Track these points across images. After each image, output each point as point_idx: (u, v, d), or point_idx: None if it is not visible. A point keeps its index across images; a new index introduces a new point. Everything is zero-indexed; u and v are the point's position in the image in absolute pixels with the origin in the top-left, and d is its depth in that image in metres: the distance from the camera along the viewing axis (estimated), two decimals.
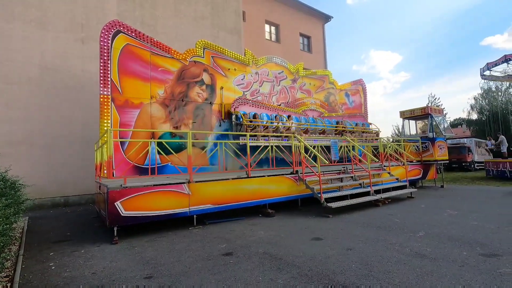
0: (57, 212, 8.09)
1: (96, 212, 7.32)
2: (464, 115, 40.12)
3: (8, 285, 3.10)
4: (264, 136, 8.75)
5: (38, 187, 8.50)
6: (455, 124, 43.93)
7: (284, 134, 9.04)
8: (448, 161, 12.42)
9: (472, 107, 36.24)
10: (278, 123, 9.53)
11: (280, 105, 10.86)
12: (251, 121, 9.07)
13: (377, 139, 11.59)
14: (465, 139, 25.84)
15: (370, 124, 13.49)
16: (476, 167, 22.38)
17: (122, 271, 3.42)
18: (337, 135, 11.03)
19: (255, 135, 8.59)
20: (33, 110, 8.98)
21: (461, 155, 21.72)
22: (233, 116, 9.22)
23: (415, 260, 3.44)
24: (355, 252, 3.80)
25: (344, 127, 11.53)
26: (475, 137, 29.32)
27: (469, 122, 37.27)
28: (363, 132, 12.17)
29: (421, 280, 2.87)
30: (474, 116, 36.00)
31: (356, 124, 12.51)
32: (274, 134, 9.01)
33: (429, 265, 3.27)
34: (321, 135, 10.78)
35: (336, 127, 11.43)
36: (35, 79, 9.11)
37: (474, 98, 33.91)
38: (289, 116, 10.25)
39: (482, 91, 30.10)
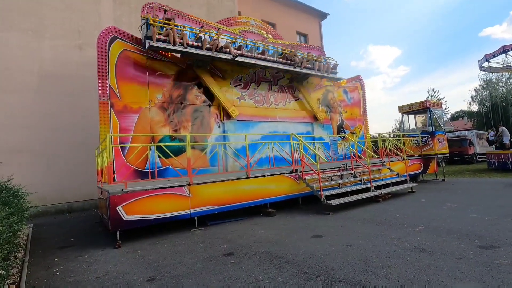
0: (61, 219, 8.18)
1: (99, 217, 7.40)
2: (465, 107, 40.03)
3: None
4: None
5: (41, 194, 8.59)
6: (456, 116, 43.82)
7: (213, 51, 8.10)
8: (448, 155, 12.43)
9: (473, 99, 36.09)
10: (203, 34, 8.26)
11: (278, 104, 10.89)
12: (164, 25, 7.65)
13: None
14: (466, 132, 25.81)
15: (328, 58, 11.98)
16: (478, 159, 22.36)
17: (125, 274, 3.48)
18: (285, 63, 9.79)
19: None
20: (33, 117, 9.05)
21: (463, 148, 21.70)
22: (141, 24, 7.76)
23: (414, 254, 3.48)
24: (354, 248, 3.85)
25: (291, 52, 10.25)
26: (477, 129, 29.27)
27: (470, 114, 37.16)
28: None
29: (418, 274, 2.91)
30: (475, 108, 35.83)
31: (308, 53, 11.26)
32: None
33: (427, 258, 3.31)
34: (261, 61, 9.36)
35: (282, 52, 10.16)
36: (34, 86, 9.19)
37: (475, 89, 33.74)
38: (218, 29, 9.17)
39: (483, 82, 29.98)
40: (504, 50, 14.92)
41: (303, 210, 6.87)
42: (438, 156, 11.46)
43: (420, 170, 11.00)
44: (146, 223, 5.07)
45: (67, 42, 9.83)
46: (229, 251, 4.11)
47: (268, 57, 9.75)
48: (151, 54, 8.03)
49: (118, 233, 4.83)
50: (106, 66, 7.28)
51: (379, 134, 10.26)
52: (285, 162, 8.23)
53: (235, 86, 9.82)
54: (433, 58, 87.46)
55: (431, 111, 11.59)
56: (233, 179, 6.30)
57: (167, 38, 7.60)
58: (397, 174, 9.03)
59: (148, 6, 8.27)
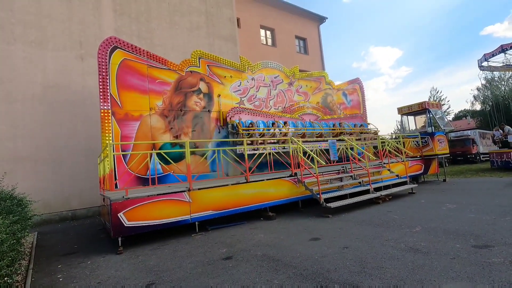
0: (65, 226, 8.30)
1: (101, 224, 7.51)
2: (468, 107, 39.85)
3: None
4: (261, 143, 8.90)
5: (45, 202, 8.75)
6: (460, 116, 43.60)
7: (281, 138, 9.17)
8: (449, 155, 12.41)
9: (475, 98, 35.93)
10: (274, 129, 9.64)
11: (277, 108, 11.01)
12: (247, 129, 9.21)
13: (375, 138, 11.61)
14: (469, 131, 25.70)
15: (369, 124, 13.54)
16: (482, 159, 22.23)
17: (126, 279, 3.57)
18: (334, 138, 11.08)
19: (252, 142, 8.74)
20: (36, 127, 9.24)
21: (466, 147, 21.61)
22: (229, 126, 9.37)
23: (408, 255, 3.53)
24: (350, 250, 3.90)
25: (342, 129, 11.59)
26: (480, 128, 29.12)
27: (473, 114, 36.99)
28: (361, 132, 12.23)
29: (411, 274, 2.96)
30: (478, 107, 35.67)
31: (354, 125, 12.59)
32: (270, 138, 9.14)
33: (421, 259, 3.36)
34: (319, 138, 10.87)
35: (333, 129, 11.50)
36: (37, 97, 9.39)
37: (477, 88, 33.63)
38: (285, 122, 10.35)
39: (485, 81, 29.90)
40: (503, 49, 14.93)
41: (303, 213, 6.93)
42: (439, 156, 11.45)
43: (421, 171, 11.00)
44: (147, 229, 5.16)
45: (69, 52, 10.05)
46: (228, 255, 4.18)
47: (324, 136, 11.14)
48: (150, 63, 8.20)
49: (120, 239, 4.92)
50: (107, 75, 7.45)
51: (378, 135, 10.30)
52: (285, 166, 8.30)
53: (234, 92, 9.96)
54: (435, 58, 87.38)
55: (430, 112, 11.62)
56: (232, 184, 6.38)
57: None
58: (397, 175, 9.05)
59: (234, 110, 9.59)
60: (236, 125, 9.12)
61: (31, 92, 9.31)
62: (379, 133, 12.85)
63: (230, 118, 9.47)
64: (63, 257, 4.95)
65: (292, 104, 11.60)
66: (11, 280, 3.14)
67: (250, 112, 10.19)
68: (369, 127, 13.23)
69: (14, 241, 3.21)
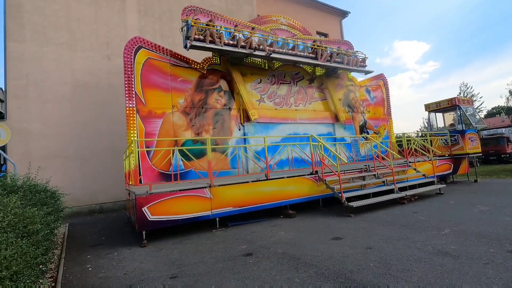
0: (93, 219, 8.71)
1: (127, 218, 7.81)
2: (502, 103, 37.40)
3: (52, 285, 3.47)
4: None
5: (75, 196, 9.20)
6: (493, 113, 41.01)
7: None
8: (481, 154, 11.72)
9: (510, 93, 33.63)
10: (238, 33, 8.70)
11: (298, 106, 10.87)
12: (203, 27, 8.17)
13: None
14: (503, 129, 24.14)
15: (356, 52, 12.11)
16: None
17: (150, 272, 3.68)
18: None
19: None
20: (66, 125, 9.74)
21: (499, 146, 20.30)
22: (182, 26, 8.32)
23: (437, 258, 3.37)
24: (374, 251, 3.79)
25: (320, 46, 10.36)
26: None
27: (508, 110, 34.65)
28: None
29: (440, 278, 2.83)
30: None
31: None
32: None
33: (451, 263, 3.20)
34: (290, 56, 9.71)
35: (311, 48, 10.27)
36: (67, 96, 9.89)
37: None
38: (253, 28, 9.59)
39: None
40: None
41: (324, 212, 6.82)
42: (470, 155, 10.84)
43: (450, 171, 10.47)
44: (169, 223, 5.30)
45: (97, 53, 10.48)
46: (248, 251, 4.20)
47: (299, 53, 10.06)
48: (173, 61, 8.37)
49: (144, 232, 5.09)
50: (132, 74, 7.69)
51: (403, 133, 9.91)
52: (305, 164, 8.20)
53: (254, 89, 9.95)
54: (464, 52, 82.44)
55: (461, 108, 11.01)
56: (252, 181, 6.40)
57: (204, 38, 8.20)
58: (423, 175, 8.67)
59: (188, 9, 8.81)
60: (190, 24, 8.00)
61: (61, 92, 9.81)
62: (406, 129, 12.33)
63: (186, 16, 8.44)
64: (92, 248, 5.19)
65: (263, 16, 10.83)
66: (45, 268, 3.34)
67: (209, 14, 9.27)
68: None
69: (48, 231, 3.41)
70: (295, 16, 19.13)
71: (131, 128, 7.46)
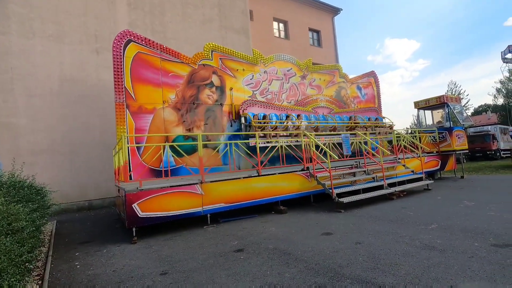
0: (82, 216, 8.58)
1: (117, 214, 7.71)
2: (489, 101, 38.32)
3: (39, 283, 3.40)
4: (273, 136, 8.82)
5: (63, 192, 9.03)
6: (479, 111, 42.02)
7: (294, 132, 9.06)
8: (468, 151, 12.00)
9: (498, 91, 34.49)
10: (287, 122, 9.53)
11: (290, 102, 10.89)
12: (260, 123, 9.13)
13: (391, 133, 11.30)
14: (489, 127, 24.75)
15: (384, 118, 13.21)
16: (502, 155, 21.42)
17: (140, 268, 3.65)
18: (348, 131, 10.84)
19: (265, 135, 8.68)
20: (54, 120, 9.51)
21: (485, 144, 20.85)
22: (242, 118, 9.28)
23: (424, 252, 3.45)
24: (363, 246, 3.85)
25: (356, 123, 11.33)
26: (501, 123, 27.99)
27: (494, 108, 35.55)
28: (376, 126, 11.93)
29: (426, 272, 2.89)
30: (501, 101, 34.23)
31: (369, 119, 12.29)
32: (283, 132, 9.04)
33: (437, 256, 3.27)
34: (332, 132, 10.68)
35: (347, 123, 11.26)
36: (55, 90, 9.64)
37: (500, 81, 32.24)
38: (298, 115, 10.19)
39: (509, 74, 28.57)
40: None
41: (315, 208, 6.88)
42: (457, 152, 11.09)
43: (438, 167, 10.69)
44: (160, 220, 5.25)
45: (85, 46, 10.23)
46: (239, 247, 4.20)
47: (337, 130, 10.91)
48: (164, 56, 8.25)
49: (134, 229, 5.03)
50: (121, 68, 7.54)
51: (393, 130, 10.05)
52: (297, 160, 8.25)
53: (246, 85, 9.91)
54: (454, 51, 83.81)
55: (449, 106, 11.22)
56: (244, 177, 6.39)
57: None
58: (412, 171, 8.83)
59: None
60: (250, 118, 9.05)
61: (49, 86, 9.56)
62: (394, 127, 12.52)
63: (243, 111, 9.39)
64: (80, 245, 5.11)
65: (305, 97, 11.40)
66: (31, 266, 3.27)
67: (263, 105, 10.07)
68: (384, 121, 12.91)
69: (34, 228, 3.33)
70: (288, 12, 19.14)
71: (121, 124, 7.34)
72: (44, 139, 9.31)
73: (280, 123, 9.46)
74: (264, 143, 8.25)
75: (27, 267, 2.95)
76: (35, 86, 9.37)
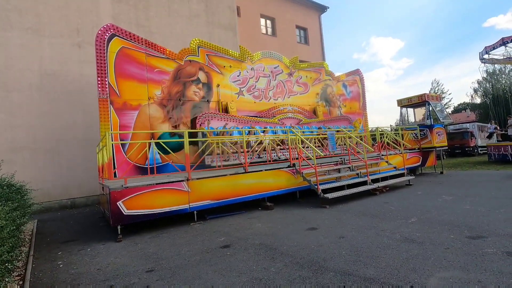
0: (65, 214, 8.36)
1: (101, 213, 7.57)
2: (468, 100, 39.82)
3: (20, 283, 3.32)
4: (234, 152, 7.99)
5: (45, 191, 8.78)
6: (459, 109, 43.59)
7: (255, 147, 8.27)
8: (447, 148, 12.46)
9: (475, 91, 35.85)
10: (248, 138, 8.07)
11: (276, 99, 10.94)
12: (217, 138, 7.99)
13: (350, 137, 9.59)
14: (468, 124, 25.76)
15: (358, 124, 13.19)
16: (479, 152, 22.35)
17: (126, 266, 3.63)
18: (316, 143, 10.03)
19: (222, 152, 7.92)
20: (34, 115, 9.19)
21: (464, 140, 21.69)
22: (199, 134, 8.20)
23: (403, 244, 3.59)
24: (346, 240, 3.96)
25: (323, 135, 9.75)
26: (479, 121, 29.16)
27: (473, 107, 36.96)
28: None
29: (405, 263, 3.02)
30: (478, 100, 35.62)
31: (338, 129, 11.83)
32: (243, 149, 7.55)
33: (416, 248, 3.42)
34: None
35: (315, 135, 10.12)
36: (35, 85, 9.31)
37: (478, 81, 33.55)
38: (264, 130, 9.27)
39: (485, 74, 29.76)
40: (503, 42, 14.80)
41: (301, 203, 6.99)
42: (437, 149, 11.50)
43: (419, 163, 11.06)
44: (146, 217, 5.21)
45: (66, 40, 9.91)
46: (226, 243, 4.24)
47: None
48: (149, 51, 8.11)
49: (119, 227, 4.97)
50: (105, 63, 7.36)
51: (377, 127, 10.30)
52: (284, 156, 8.32)
53: (233, 82, 9.89)
54: (436, 50, 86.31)
55: (430, 104, 11.60)
56: (231, 174, 6.41)
57: None
58: (394, 167, 9.11)
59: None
60: (206, 133, 8.03)
61: (28, 81, 9.22)
62: (378, 127, 12.76)
63: (200, 125, 8.37)
64: (63, 244, 5.01)
65: (272, 107, 10.69)
66: (11, 266, 3.19)
67: (223, 117, 9.00)
68: (356, 129, 12.86)
69: (14, 227, 3.25)
70: (275, 9, 19.13)
71: (104, 121, 7.18)
72: (23, 135, 8.99)
73: (239, 139, 7.91)
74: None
75: (7, 267, 2.88)
76: (13, 81, 9.01)
